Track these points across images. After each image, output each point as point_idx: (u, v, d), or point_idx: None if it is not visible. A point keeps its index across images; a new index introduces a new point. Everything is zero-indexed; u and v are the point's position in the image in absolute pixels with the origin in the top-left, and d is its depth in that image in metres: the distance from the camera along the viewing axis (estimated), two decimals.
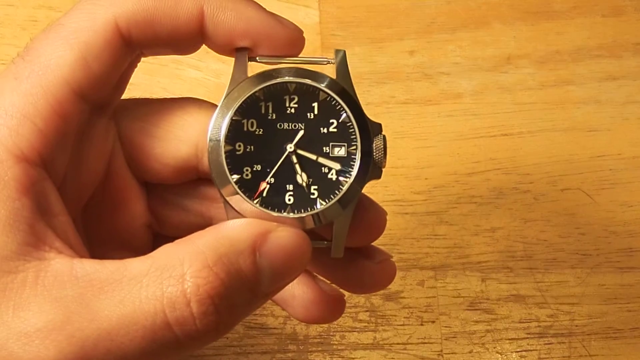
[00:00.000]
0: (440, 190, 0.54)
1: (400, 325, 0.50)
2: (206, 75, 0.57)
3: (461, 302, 0.51)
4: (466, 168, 0.55)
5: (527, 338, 0.50)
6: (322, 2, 0.60)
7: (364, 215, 0.38)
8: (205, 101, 0.38)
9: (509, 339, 0.50)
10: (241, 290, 0.32)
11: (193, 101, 0.38)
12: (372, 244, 0.40)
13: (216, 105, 0.35)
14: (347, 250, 0.39)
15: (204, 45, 0.37)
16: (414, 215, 0.54)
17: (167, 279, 0.30)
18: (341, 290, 0.42)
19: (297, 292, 0.42)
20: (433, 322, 0.50)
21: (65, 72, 0.33)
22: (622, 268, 0.52)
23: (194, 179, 0.38)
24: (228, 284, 0.31)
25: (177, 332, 0.30)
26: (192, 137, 0.37)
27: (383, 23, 0.60)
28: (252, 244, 0.32)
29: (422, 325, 0.50)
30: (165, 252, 0.32)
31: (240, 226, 0.33)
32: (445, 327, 0.50)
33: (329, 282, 0.41)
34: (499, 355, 0.50)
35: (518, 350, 0.50)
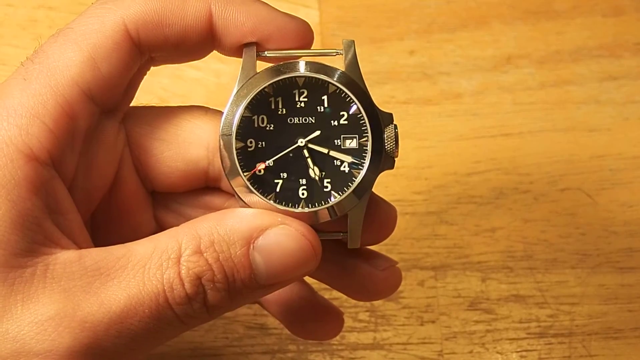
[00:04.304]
0: (440, 190, 0.54)
1: (400, 325, 0.50)
2: (206, 75, 0.57)
3: (461, 302, 0.51)
4: (466, 168, 0.55)
5: (527, 338, 0.50)
6: (322, 2, 0.60)
7: (376, 211, 0.38)
8: (211, 108, 0.38)
9: (509, 339, 0.50)
10: (232, 279, 0.32)
11: (199, 107, 0.38)
12: (377, 251, 0.40)
13: (221, 112, 0.36)
14: (352, 257, 0.39)
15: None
16: (414, 215, 0.54)
17: (166, 260, 0.32)
18: (346, 296, 0.42)
19: (295, 306, 0.42)
20: (433, 322, 0.50)
21: (74, 73, 0.33)
22: (622, 268, 0.52)
23: (200, 188, 0.39)
24: (217, 271, 0.32)
25: (176, 311, 0.32)
26: (201, 139, 0.37)
27: (383, 23, 0.60)
28: (247, 235, 0.33)
29: (422, 325, 0.50)
30: (168, 235, 0.33)
31: (242, 216, 0.34)
32: (445, 327, 0.50)
33: (333, 289, 0.41)
34: (499, 355, 0.50)
35: (518, 350, 0.50)
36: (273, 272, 0.33)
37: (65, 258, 0.32)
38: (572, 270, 0.52)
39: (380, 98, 0.58)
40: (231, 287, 0.33)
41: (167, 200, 0.39)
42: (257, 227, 0.33)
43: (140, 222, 0.39)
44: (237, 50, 0.36)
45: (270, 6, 0.36)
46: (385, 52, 0.59)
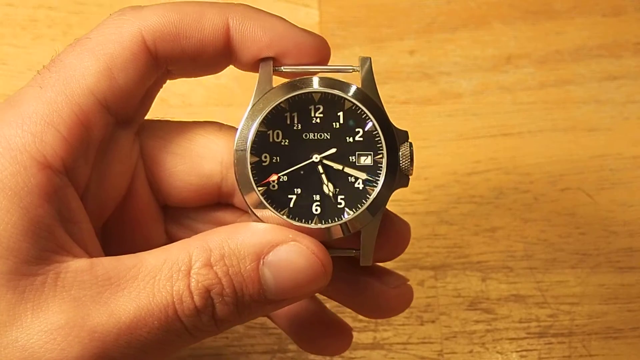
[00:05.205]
0: (440, 190, 0.54)
1: (400, 325, 0.50)
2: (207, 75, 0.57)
3: (461, 302, 0.51)
4: (466, 168, 0.55)
5: (527, 338, 0.50)
6: (322, 2, 0.60)
7: (389, 227, 0.37)
8: (225, 124, 0.38)
9: (509, 339, 0.50)
10: (241, 294, 0.32)
11: (213, 123, 0.38)
12: (389, 268, 0.40)
13: (235, 128, 0.35)
14: (363, 274, 0.39)
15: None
16: (414, 215, 0.53)
17: (176, 272, 0.32)
18: (360, 315, 0.41)
19: (304, 322, 0.41)
20: (433, 322, 0.50)
21: (90, 82, 0.33)
22: (622, 268, 0.52)
23: (212, 204, 0.38)
24: (226, 284, 0.32)
25: (185, 323, 0.32)
26: (215, 154, 0.37)
27: (383, 23, 0.60)
28: (257, 250, 0.33)
29: (422, 325, 0.50)
30: (179, 247, 0.33)
31: (254, 231, 0.33)
32: (445, 327, 0.50)
33: (347, 307, 0.41)
34: (499, 355, 0.50)
35: (518, 350, 0.50)
36: (282, 289, 0.33)
37: (77, 266, 0.31)
38: (572, 270, 0.52)
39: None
40: (239, 301, 0.33)
41: (179, 216, 0.39)
42: (268, 243, 0.33)
43: (151, 236, 0.39)
44: (253, 65, 0.36)
45: (288, 21, 0.36)
46: (385, 52, 0.59)
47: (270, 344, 0.49)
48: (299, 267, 0.33)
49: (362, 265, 0.36)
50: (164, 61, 0.35)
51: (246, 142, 0.35)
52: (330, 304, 0.43)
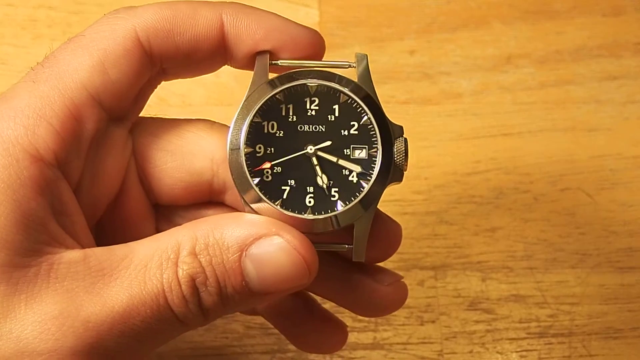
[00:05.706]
0: (440, 190, 0.54)
1: (400, 325, 0.50)
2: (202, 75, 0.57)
3: (461, 302, 0.51)
4: (466, 168, 0.55)
5: (527, 338, 0.50)
6: (322, 2, 0.60)
7: (381, 227, 0.37)
8: (216, 122, 0.38)
9: (509, 339, 0.50)
10: (224, 284, 0.32)
11: (205, 121, 0.38)
12: (383, 266, 0.40)
13: (227, 126, 0.35)
14: (356, 273, 0.39)
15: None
16: (414, 215, 0.53)
17: (166, 260, 0.32)
18: (352, 312, 0.41)
19: (297, 320, 0.41)
20: (433, 322, 0.50)
21: (82, 77, 0.34)
22: (622, 268, 0.52)
23: (203, 202, 0.38)
24: (209, 274, 0.32)
25: (175, 312, 0.32)
26: (206, 151, 0.37)
27: (383, 23, 0.60)
28: (240, 242, 0.33)
29: (422, 325, 0.50)
30: (169, 235, 0.33)
31: (239, 222, 0.33)
32: (445, 327, 0.50)
33: (340, 305, 0.41)
34: (499, 355, 0.50)
35: (518, 350, 0.50)
36: (265, 282, 0.33)
37: (70, 258, 0.32)
38: (572, 270, 0.52)
39: (380, 98, 0.58)
40: (223, 292, 0.33)
41: (170, 214, 0.39)
42: (251, 235, 0.33)
43: (142, 236, 0.39)
44: (249, 61, 0.36)
45: (282, 16, 0.36)
46: (385, 52, 0.59)
47: (270, 344, 0.49)
48: (280, 263, 0.33)
49: (355, 260, 0.36)
50: (158, 58, 0.35)
51: (240, 133, 0.35)
52: (328, 305, 0.43)
